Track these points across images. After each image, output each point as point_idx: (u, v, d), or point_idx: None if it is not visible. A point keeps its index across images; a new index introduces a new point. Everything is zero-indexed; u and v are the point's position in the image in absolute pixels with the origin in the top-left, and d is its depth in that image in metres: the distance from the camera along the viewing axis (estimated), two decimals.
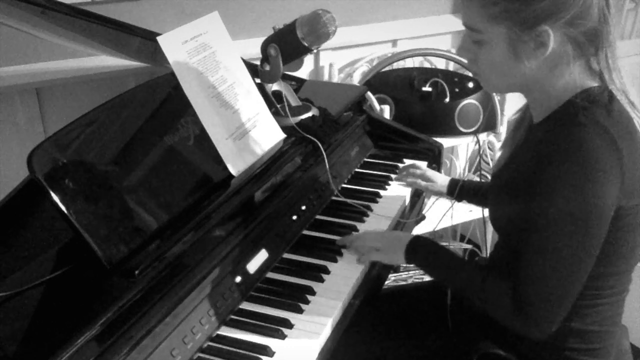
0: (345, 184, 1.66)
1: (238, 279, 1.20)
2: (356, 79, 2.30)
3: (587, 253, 1.05)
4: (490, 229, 2.45)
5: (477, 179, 2.45)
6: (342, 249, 1.38)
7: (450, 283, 1.25)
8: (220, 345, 1.10)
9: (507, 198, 1.16)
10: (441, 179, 1.65)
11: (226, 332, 1.13)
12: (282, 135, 1.49)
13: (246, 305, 1.20)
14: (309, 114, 1.58)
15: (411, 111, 2.18)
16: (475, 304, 1.18)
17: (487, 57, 1.10)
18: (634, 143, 1.06)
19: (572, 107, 1.07)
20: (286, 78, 1.70)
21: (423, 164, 1.76)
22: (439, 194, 1.66)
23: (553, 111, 1.12)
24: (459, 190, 1.58)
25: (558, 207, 1.02)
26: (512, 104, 2.30)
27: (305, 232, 1.44)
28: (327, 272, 1.31)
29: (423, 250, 1.27)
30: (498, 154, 1.86)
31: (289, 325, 1.15)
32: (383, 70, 2.29)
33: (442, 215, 1.93)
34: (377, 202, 1.60)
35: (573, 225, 1.02)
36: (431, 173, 1.66)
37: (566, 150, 1.02)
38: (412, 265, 2.55)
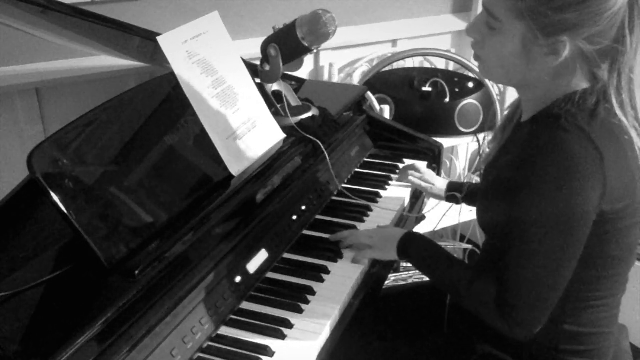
0: (345, 184, 1.66)
1: (238, 279, 1.20)
2: (356, 79, 2.30)
3: (568, 257, 1.05)
4: None
5: (477, 179, 2.45)
6: (339, 247, 1.38)
7: (439, 281, 1.25)
8: (220, 345, 1.10)
9: (492, 198, 1.17)
10: (440, 182, 1.64)
11: (226, 332, 1.13)
12: (282, 135, 1.49)
13: (246, 305, 1.20)
14: (309, 114, 1.58)
15: (411, 111, 2.18)
16: (462, 303, 1.18)
17: (496, 47, 1.09)
18: (619, 149, 1.06)
19: (556, 110, 1.07)
20: (286, 78, 1.70)
21: (423, 164, 1.76)
22: (437, 197, 1.66)
23: (539, 111, 1.12)
24: (455, 191, 1.58)
25: (538, 212, 1.03)
26: None
27: (305, 232, 1.44)
28: (327, 272, 1.31)
29: (415, 248, 1.28)
30: None
31: (289, 325, 1.15)
32: (383, 70, 2.28)
33: (442, 215, 1.93)
34: (377, 202, 1.60)
35: (553, 229, 1.03)
36: (430, 175, 1.66)
37: (547, 155, 1.03)
38: (411, 265, 2.56)
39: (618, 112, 1.06)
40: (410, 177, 1.67)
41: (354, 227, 1.47)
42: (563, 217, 1.02)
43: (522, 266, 1.06)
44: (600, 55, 1.04)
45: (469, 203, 1.60)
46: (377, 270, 1.38)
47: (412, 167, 1.70)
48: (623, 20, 1.02)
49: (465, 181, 2.18)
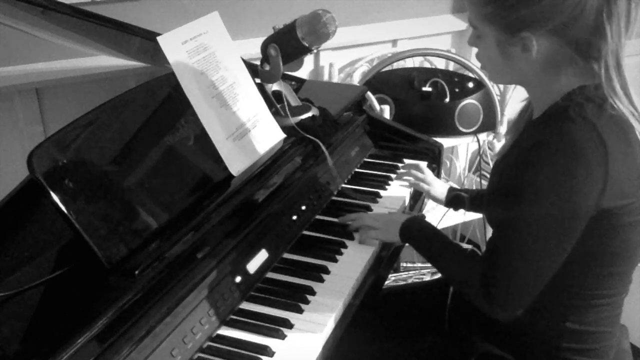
0: (345, 184, 1.66)
1: (238, 279, 1.20)
2: (356, 79, 2.30)
3: (559, 247, 1.07)
4: (490, 228, 2.44)
5: (477, 179, 2.46)
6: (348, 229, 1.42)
7: (435, 263, 1.28)
8: (220, 345, 1.10)
9: (499, 193, 1.17)
10: (440, 187, 1.64)
11: (226, 332, 1.13)
12: (282, 135, 1.49)
13: (246, 305, 1.20)
14: (309, 114, 1.58)
15: (411, 111, 2.19)
16: (451, 283, 1.23)
17: (484, 52, 1.15)
18: (625, 143, 1.06)
19: (564, 102, 1.07)
20: (286, 78, 1.70)
21: (423, 164, 1.76)
22: (436, 200, 1.65)
23: (548, 107, 1.13)
24: (456, 200, 1.59)
25: (537, 201, 1.04)
26: (512, 105, 2.30)
27: (305, 232, 1.44)
28: (327, 272, 1.31)
29: (415, 231, 1.33)
30: None
31: (289, 325, 1.15)
32: (383, 70, 2.28)
33: (442, 215, 1.93)
34: (377, 202, 1.60)
35: (549, 222, 1.04)
36: (431, 179, 1.65)
37: (550, 142, 1.03)
38: (412, 265, 2.56)
39: (607, 90, 1.05)
40: (409, 177, 1.67)
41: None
42: (559, 210, 1.03)
43: (512, 250, 1.07)
44: (585, 46, 1.04)
45: (466, 209, 1.61)
46: (377, 271, 1.38)
47: (415, 167, 1.69)
48: (599, 8, 1.01)
49: (465, 187, 2.17)
